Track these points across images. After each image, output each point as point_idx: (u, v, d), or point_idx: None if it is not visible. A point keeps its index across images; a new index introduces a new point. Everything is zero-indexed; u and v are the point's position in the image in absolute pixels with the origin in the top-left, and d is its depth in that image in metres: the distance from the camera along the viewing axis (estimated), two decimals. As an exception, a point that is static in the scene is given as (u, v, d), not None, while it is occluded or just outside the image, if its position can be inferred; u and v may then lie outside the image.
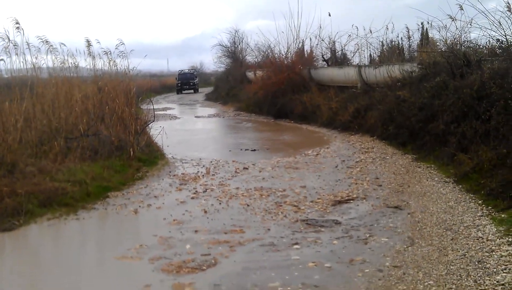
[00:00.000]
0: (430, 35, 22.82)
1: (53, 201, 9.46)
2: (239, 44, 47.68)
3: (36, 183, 9.95)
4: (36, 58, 14.03)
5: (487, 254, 6.44)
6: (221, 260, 6.94)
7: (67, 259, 7.26)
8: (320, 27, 29.21)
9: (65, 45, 14.93)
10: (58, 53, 14.73)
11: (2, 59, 12.59)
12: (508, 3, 13.98)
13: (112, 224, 9.08)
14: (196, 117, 30.77)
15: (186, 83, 59.60)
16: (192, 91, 59.69)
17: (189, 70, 64.18)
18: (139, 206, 9.67)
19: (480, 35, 15.56)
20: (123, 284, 6.49)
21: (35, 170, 10.68)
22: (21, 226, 8.43)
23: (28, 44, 13.38)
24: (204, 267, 6.71)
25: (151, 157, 13.60)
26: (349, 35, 27.76)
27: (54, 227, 8.57)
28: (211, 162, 14.13)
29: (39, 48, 14.02)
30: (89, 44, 15.20)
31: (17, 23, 12.45)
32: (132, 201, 10.03)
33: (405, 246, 7.10)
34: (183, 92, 59.29)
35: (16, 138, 11.54)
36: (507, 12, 14.01)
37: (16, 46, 12.94)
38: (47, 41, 14.12)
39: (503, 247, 6.59)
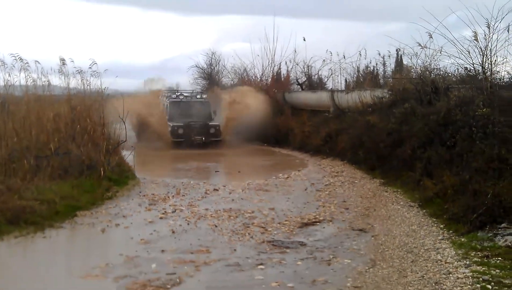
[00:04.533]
0: (404, 62, 23.32)
1: (20, 219, 9.41)
2: (216, 66, 47.86)
3: (4, 201, 9.90)
4: (9, 75, 14.02)
5: (445, 276, 6.64)
6: (186, 279, 7.02)
7: (32, 277, 7.24)
8: (295, 52, 29.61)
9: (39, 63, 14.90)
10: (31, 71, 14.70)
11: None
12: (475, 33, 14.45)
13: (78, 243, 9.10)
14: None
15: (197, 132, 23.72)
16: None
17: (197, 92, 27.71)
18: (107, 226, 9.69)
19: (449, 63, 15.88)
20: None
21: (3, 188, 10.59)
22: (-13, 244, 8.39)
23: (1, 61, 13.39)
24: (169, 286, 6.78)
25: (121, 177, 13.61)
26: (323, 60, 28.20)
27: (21, 244, 8.55)
28: (182, 183, 14.19)
29: (13, 66, 14.00)
30: (63, 62, 15.19)
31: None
32: (100, 220, 10.03)
33: (367, 268, 7.27)
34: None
35: (-15, 156, 11.48)
36: (475, 41, 14.47)
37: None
38: (21, 59, 14.09)
39: (460, 269, 6.80)
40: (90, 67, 15.37)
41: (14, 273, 7.56)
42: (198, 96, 26.17)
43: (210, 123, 24.23)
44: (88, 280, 7.04)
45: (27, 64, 14.33)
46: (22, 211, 9.65)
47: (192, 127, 23.63)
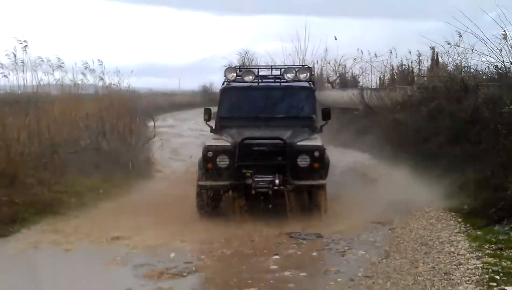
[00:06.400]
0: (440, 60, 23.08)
1: (48, 210, 9.83)
2: (249, 65, 48.04)
3: (34, 193, 10.35)
4: (46, 75, 14.52)
5: (455, 267, 6.68)
6: (202, 268, 7.23)
7: (54, 263, 7.62)
8: (326, 51, 29.61)
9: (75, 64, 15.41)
10: (66, 71, 15.18)
11: (5, 76, 13.02)
12: (505, 31, 14.27)
13: (102, 230, 9.31)
14: (201, 135, 31.03)
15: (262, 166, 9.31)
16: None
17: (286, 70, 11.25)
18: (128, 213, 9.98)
19: (480, 61, 15.69)
20: (106, 288, 6.83)
21: (34, 182, 11.05)
22: (15, 233, 8.76)
23: (36, 61, 13.88)
24: (185, 274, 6.99)
25: (150, 172, 13.96)
26: (354, 58, 28.16)
27: (46, 233, 8.86)
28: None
29: (49, 65, 14.49)
30: (95, 64, 15.66)
31: (25, 41, 12.91)
32: (125, 209, 10.33)
33: (380, 259, 7.35)
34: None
35: (18, 151, 11.90)
36: (504, 40, 14.29)
37: (23, 64, 13.39)
38: (58, 59, 14.58)
39: (471, 261, 6.84)
40: (118, 70, 15.82)
41: (37, 260, 7.85)
42: (289, 76, 11.15)
43: (299, 143, 9.66)
44: (110, 267, 7.34)
45: (61, 65, 14.81)
46: (51, 203, 10.09)
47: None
